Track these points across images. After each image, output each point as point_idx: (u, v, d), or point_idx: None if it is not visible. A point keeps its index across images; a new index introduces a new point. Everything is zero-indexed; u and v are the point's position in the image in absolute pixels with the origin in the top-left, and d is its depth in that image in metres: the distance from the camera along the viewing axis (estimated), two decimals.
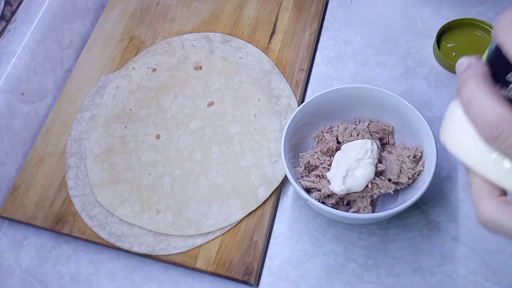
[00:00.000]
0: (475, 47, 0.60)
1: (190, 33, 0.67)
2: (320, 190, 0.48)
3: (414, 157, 0.49)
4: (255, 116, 0.58)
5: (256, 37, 0.65)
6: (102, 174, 0.57)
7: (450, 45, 0.61)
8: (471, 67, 0.25)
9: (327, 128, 0.54)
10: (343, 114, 0.54)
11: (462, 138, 0.27)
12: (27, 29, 0.63)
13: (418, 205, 0.52)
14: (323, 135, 0.53)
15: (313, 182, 0.49)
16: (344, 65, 0.62)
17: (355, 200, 0.49)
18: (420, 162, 0.48)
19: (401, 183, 0.49)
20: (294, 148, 0.52)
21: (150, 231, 0.53)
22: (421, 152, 0.49)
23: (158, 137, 0.59)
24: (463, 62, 0.26)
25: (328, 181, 0.48)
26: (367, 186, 0.47)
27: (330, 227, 0.52)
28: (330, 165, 0.50)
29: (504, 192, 0.26)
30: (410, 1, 0.65)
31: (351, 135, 0.52)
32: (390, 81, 0.60)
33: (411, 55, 0.61)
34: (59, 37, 0.68)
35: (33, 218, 0.56)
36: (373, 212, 0.49)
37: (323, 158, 0.51)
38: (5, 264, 0.56)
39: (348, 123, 0.53)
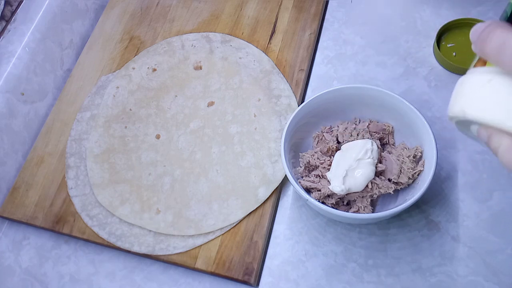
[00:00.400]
0: None
1: (190, 33, 0.67)
2: (320, 190, 0.48)
3: (414, 157, 0.49)
4: (255, 116, 0.58)
5: (256, 37, 0.65)
6: (102, 174, 0.57)
7: (450, 45, 0.61)
8: (493, 23, 0.25)
9: (327, 128, 0.54)
10: (343, 114, 0.54)
11: (487, 98, 0.26)
12: (27, 29, 0.63)
13: (418, 205, 0.52)
14: (323, 135, 0.53)
15: (313, 182, 0.49)
16: (344, 65, 0.62)
17: (355, 200, 0.49)
18: (420, 162, 0.48)
19: (401, 183, 0.49)
20: (294, 148, 0.52)
21: (150, 231, 0.53)
22: (421, 152, 0.49)
23: (158, 137, 0.59)
24: (479, 25, 0.26)
25: (328, 181, 0.48)
26: (367, 186, 0.47)
27: (330, 227, 0.52)
28: (330, 165, 0.50)
29: None
30: (410, 1, 0.65)
31: (351, 135, 0.52)
32: (390, 81, 0.60)
33: (411, 55, 0.61)
34: (59, 37, 0.68)
35: (33, 218, 0.56)
36: (373, 212, 0.49)
37: (323, 158, 0.51)
38: (5, 264, 0.56)
39: (348, 123, 0.53)
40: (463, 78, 0.28)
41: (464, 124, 0.30)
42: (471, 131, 0.30)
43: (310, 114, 0.52)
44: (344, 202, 0.50)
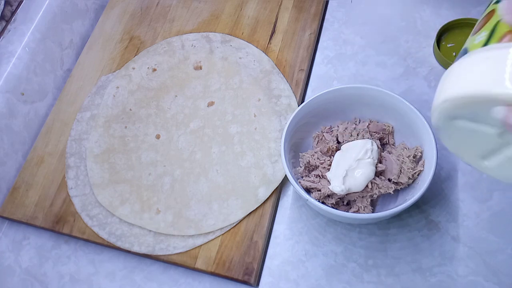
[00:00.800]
0: None
1: (190, 33, 0.67)
2: (320, 190, 0.48)
3: (414, 157, 0.49)
4: (255, 116, 0.58)
5: (256, 37, 0.65)
6: (102, 174, 0.57)
7: (450, 45, 0.61)
8: None
9: (327, 128, 0.54)
10: (343, 114, 0.54)
11: None
12: (27, 29, 0.63)
13: (418, 205, 0.52)
14: (323, 135, 0.53)
15: (313, 182, 0.49)
16: (344, 65, 0.62)
17: (355, 200, 0.49)
18: (420, 162, 0.48)
19: (401, 183, 0.49)
20: (294, 148, 0.52)
21: (150, 231, 0.53)
22: (421, 152, 0.49)
23: (158, 137, 0.59)
24: None
25: (328, 181, 0.48)
26: (367, 186, 0.47)
27: (330, 227, 0.52)
28: (330, 165, 0.50)
29: None
30: (410, 1, 0.65)
31: (351, 135, 0.52)
32: (390, 81, 0.60)
33: (411, 55, 0.61)
34: (59, 37, 0.68)
35: (33, 218, 0.56)
36: (373, 212, 0.49)
37: (323, 158, 0.51)
38: (5, 264, 0.56)
39: (348, 123, 0.53)
40: (484, 54, 0.26)
41: (466, 112, 0.28)
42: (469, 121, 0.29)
43: (310, 114, 0.52)
44: (344, 202, 0.50)
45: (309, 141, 0.55)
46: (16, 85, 0.61)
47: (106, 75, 0.65)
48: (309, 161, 0.51)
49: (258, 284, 0.51)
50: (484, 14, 0.31)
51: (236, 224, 0.52)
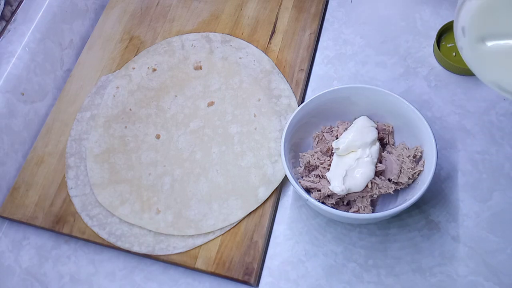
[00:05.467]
0: None
1: (190, 33, 0.67)
2: (320, 190, 0.48)
3: (414, 157, 0.49)
4: (255, 116, 0.58)
5: (256, 37, 0.65)
6: (102, 174, 0.57)
7: (450, 45, 0.61)
8: None
9: (327, 128, 0.54)
10: (343, 114, 0.54)
11: None
12: (27, 29, 0.63)
13: (418, 205, 0.52)
14: (323, 135, 0.53)
15: (313, 182, 0.49)
16: (344, 65, 0.62)
17: (355, 200, 0.49)
18: (420, 162, 0.48)
19: (401, 183, 0.49)
20: (294, 148, 0.52)
21: (150, 231, 0.53)
22: (421, 152, 0.49)
23: (158, 137, 0.59)
24: None
25: (328, 181, 0.48)
26: (367, 186, 0.47)
27: (330, 227, 0.52)
28: (330, 165, 0.50)
29: None
30: (410, 1, 0.65)
31: None
32: (390, 81, 0.60)
33: (411, 55, 0.61)
34: (59, 37, 0.68)
35: (33, 218, 0.56)
36: (373, 212, 0.49)
37: (323, 158, 0.51)
38: (5, 264, 0.56)
39: (348, 123, 0.53)
40: None
41: None
42: None
43: (310, 114, 0.52)
44: (344, 202, 0.50)
45: (309, 141, 0.55)
46: (16, 85, 0.61)
47: (106, 75, 0.65)
48: (309, 161, 0.51)
49: (258, 284, 0.51)
50: None
51: (236, 224, 0.52)
